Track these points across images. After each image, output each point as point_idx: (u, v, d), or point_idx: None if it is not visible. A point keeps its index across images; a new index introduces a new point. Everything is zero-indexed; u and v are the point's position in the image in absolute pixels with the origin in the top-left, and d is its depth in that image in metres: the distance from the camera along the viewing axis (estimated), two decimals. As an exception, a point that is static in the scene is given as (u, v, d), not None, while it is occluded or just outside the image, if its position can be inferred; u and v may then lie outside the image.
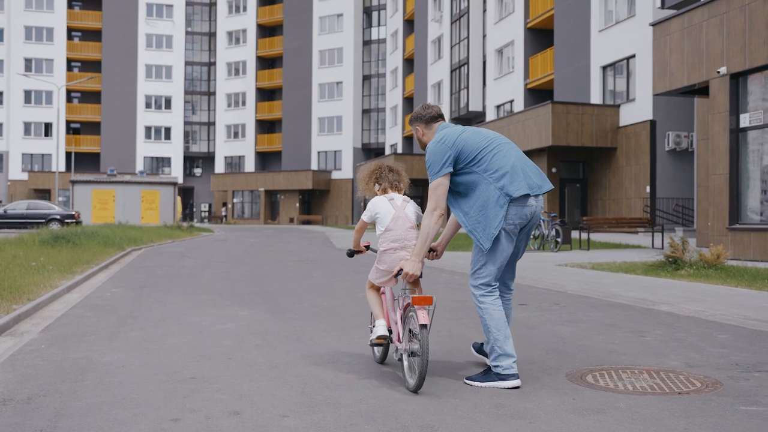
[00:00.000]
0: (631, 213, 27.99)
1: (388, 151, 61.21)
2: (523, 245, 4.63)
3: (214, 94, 74.06)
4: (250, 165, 70.57)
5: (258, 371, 4.78)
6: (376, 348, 5.07)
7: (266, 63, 71.49)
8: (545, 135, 28.59)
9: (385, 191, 4.86)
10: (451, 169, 4.38)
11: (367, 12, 66.70)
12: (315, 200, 66.37)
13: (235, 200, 67.85)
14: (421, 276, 4.53)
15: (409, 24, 57.93)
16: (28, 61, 68.31)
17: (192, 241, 27.22)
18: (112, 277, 12.29)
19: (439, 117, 4.72)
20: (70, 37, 71.12)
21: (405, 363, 4.37)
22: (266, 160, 71.86)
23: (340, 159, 65.59)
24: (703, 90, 17.34)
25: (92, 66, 70.80)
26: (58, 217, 32.08)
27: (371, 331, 4.78)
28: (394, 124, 60.85)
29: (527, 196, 4.37)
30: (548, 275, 11.71)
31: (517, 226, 4.39)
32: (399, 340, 4.51)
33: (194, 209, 74.09)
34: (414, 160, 49.14)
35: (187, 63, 73.90)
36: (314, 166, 65.98)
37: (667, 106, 27.30)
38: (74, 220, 31.95)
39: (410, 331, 4.33)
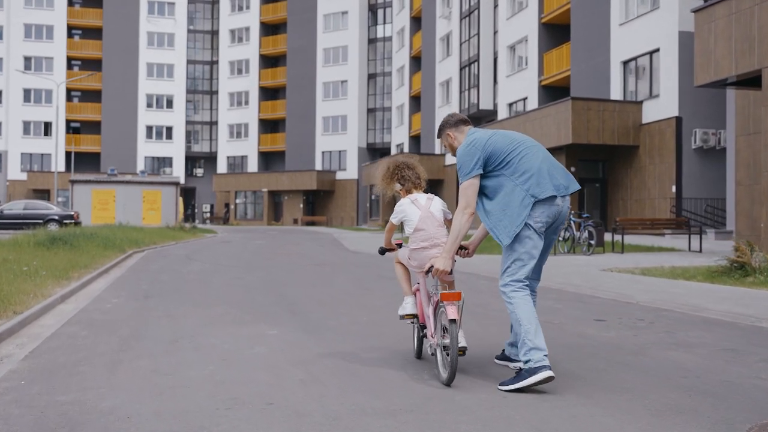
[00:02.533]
0: (654, 214, 26.70)
1: (394, 151, 59.91)
2: (551, 244, 4.72)
3: (216, 93, 72.78)
4: (253, 165, 69.27)
5: (315, 427, 3.48)
6: (415, 337, 5.20)
7: (269, 61, 70.21)
8: (565, 133, 27.31)
9: (409, 192, 4.95)
10: (481, 171, 4.50)
11: (373, 9, 65.43)
12: (319, 201, 65.09)
13: (237, 201, 66.56)
14: (451, 272, 4.56)
15: (416, 21, 56.64)
16: (27, 59, 67.06)
17: (196, 243, 25.96)
18: (112, 283, 11.01)
19: (467, 121, 4.84)
20: (70, 35, 69.84)
21: (439, 357, 4.47)
22: (269, 160, 70.57)
23: (345, 159, 64.31)
24: (752, 80, 16.04)
25: (93, 64, 69.53)
26: (56, 217, 30.80)
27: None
28: (400, 124, 59.54)
29: (554, 197, 4.47)
30: (602, 283, 10.42)
31: (544, 224, 4.48)
32: (432, 336, 4.59)
33: (196, 210, 72.76)
34: (422, 160, 47.49)
35: (189, 61, 72.61)
36: (318, 167, 64.68)
37: (693, 103, 26.02)
38: (73, 221, 30.66)
39: (442, 326, 4.42)
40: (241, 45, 70.11)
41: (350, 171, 63.72)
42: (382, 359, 5.10)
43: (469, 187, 4.49)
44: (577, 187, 4.59)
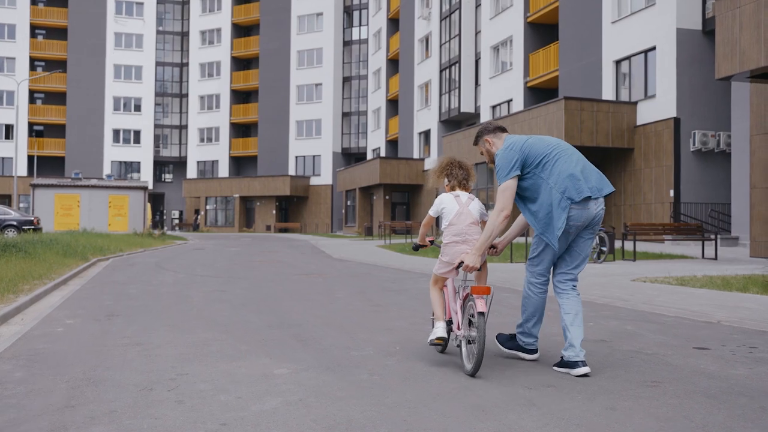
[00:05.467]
0: (651, 219, 25.42)
1: (370, 156, 58.33)
2: (589, 244, 4.74)
3: (186, 96, 70.60)
4: (224, 170, 67.21)
5: None
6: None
7: (241, 64, 68.28)
8: (557, 134, 25.89)
9: (453, 188, 5.07)
10: (518, 173, 4.59)
11: (348, 11, 63.87)
12: (292, 207, 63.24)
13: (208, 207, 64.39)
14: (480, 269, 4.70)
15: (394, 23, 55.19)
16: (-13, 59, 64.44)
17: (166, 251, 24.10)
18: (69, 297, 9.23)
19: (504, 128, 4.93)
20: (33, 35, 67.26)
21: (463, 349, 4.59)
22: (241, 165, 68.58)
23: (319, 164, 62.57)
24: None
25: (57, 65, 67.02)
26: (14, 223, 28.68)
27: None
28: (376, 128, 57.96)
29: (588, 199, 4.53)
30: (652, 296, 8.89)
31: (574, 227, 4.56)
32: (458, 328, 4.67)
33: (165, 216, 70.44)
34: (400, 164, 46.40)
35: (158, 63, 70.38)
36: (292, 172, 62.84)
37: (691, 103, 24.83)
38: (33, 227, 28.59)
39: (469, 319, 4.51)
40: (212, 47, 68.11)
41: (325, 176, 62.00)
42: (456, 417, 3.47)
43: (506, 190, 4.57)
44: (611, 189, 4.65)
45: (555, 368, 4.59)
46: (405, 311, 7.67)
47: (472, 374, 4.36)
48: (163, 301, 8.73)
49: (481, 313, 4.28)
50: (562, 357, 4.56)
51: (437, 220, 5.13)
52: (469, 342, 4.48)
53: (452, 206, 4.87)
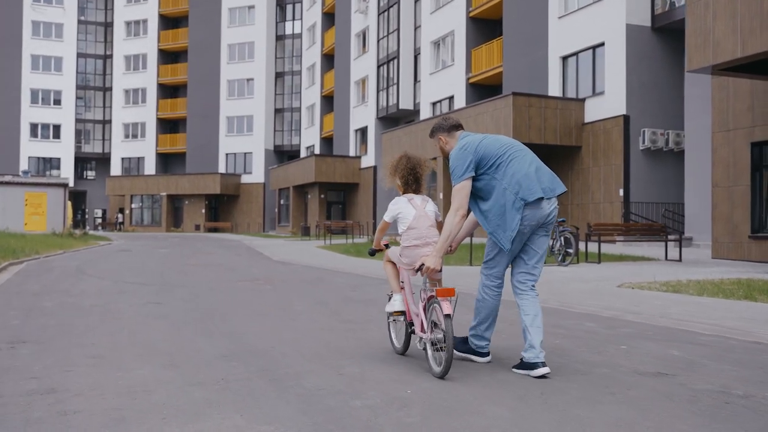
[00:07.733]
0: (599, 219, 24.75)
1: (303, 154, 56.72)
2: (544, 241, 4.71)
3: (110, 89, 67.45)
4: (150, 167, 64.43)
5: None
6: (392, 323, 5.37)
7: (169, 57, 65.57)
8: (504, 131, 24.95)
9: (406, 192, 5.08)
10: (473, 173, 4.59)
11: (281, 5, 62.02)
12: (223, 206, 61.05)
13: (133, 206, 61.56)
14: (440, 270, 4.70)
15: (329, 17, 53.67)
16: None
17: (89, 252, 22.12)
18: (-32, 314, 7.56)
19: (459, 126, 4.92)
20: (-58, 22, 63.27)
21: (429, 352, 4.55)
22: (169, 162, 65.89)
23: (251, 162, 60.57)
24: (754, 65, 13.97)
25: (-31, 55, 63.17)
26: None
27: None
28: (310, 125, 56.34)
29: (541, 199, 4.54)
30: (667, 308, 7.75)
31: (527, 227, 4.54)
32: (422, 331, 4.65)
33: (87, 215, 67.12)
34: (336, 162, 45.04)
35: (79, 55, 67.00)
36: (222, 169, 60.65)
37: (641, 101, 24.28)
38: (-62, 227, 26.08)
39: (433, 321, 4.51)
40: (137, 38, 65.22)
41: (256, 174, 60.05)
42: None
43: (461, 190, 4.58)
44: (563, 189, 4.65)
45: (514, 369, 4.59)
46: (383, 328, 6.33)
47: (442, 377, 4.34)
48: (85, 319, 7.14)
49: (448, 315, 4.28)
50: (522, 359, 4.56)
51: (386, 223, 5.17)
52: (434, 344, 4.47)
53: (408, 210, 4.91)
